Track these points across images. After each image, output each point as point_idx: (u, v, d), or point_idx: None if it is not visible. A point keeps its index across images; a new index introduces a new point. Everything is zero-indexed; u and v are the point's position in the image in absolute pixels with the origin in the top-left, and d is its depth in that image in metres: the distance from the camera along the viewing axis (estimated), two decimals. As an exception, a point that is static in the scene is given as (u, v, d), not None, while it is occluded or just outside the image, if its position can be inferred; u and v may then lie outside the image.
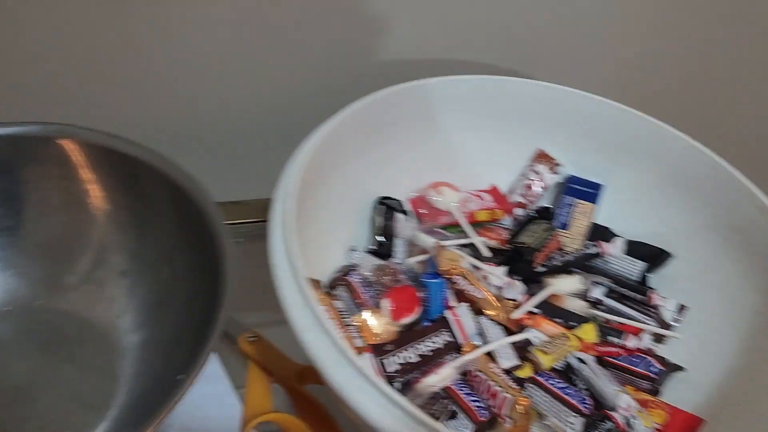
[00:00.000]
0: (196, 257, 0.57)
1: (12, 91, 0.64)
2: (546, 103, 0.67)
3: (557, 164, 0.69)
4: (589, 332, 0.57)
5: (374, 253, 0.62)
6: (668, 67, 0.80)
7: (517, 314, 0.57)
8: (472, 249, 0.64)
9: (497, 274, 0.58)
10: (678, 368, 0.58)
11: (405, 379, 0.53)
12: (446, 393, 0.55)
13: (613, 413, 0.52)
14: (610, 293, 0.64)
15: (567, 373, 0.58)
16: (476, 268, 0.60)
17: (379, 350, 0.53)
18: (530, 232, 0.64)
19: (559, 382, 0.55)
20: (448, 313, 0.58)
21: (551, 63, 0.76)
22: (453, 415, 0.54)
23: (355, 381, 0.40)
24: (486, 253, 0.61)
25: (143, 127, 0.64)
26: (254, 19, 0.64)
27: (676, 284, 0.64)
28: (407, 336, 0.56)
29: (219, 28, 0.64)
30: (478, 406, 0.54)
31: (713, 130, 0.67)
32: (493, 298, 0.58)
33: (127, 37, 0.63)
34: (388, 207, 0.64)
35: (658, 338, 0.61)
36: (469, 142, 0.70)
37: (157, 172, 0.60)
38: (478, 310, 0.59)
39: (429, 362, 0.54)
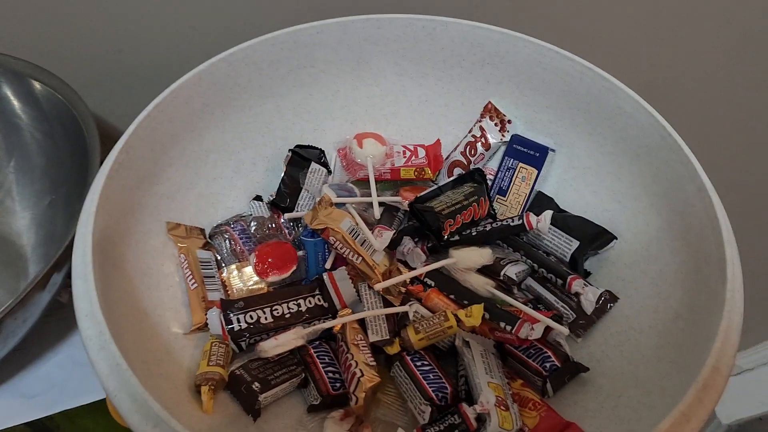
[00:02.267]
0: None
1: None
2: (489, 48, 0.58)
3: (507, 120, 0.61)
4: (474, 314, 0.50)
5: (274, 204, 0.58)
6: (630, 23, 0.67)
7: (381, 285, 0.51)
8: (393, 210, 0.59)
9: (377, 240, 0.52)
10: (582, 369, 0.50)
11: (252, 339, 0.50)
12: (303, 358, 0.51)
13: (466, 408, 0.46)
14: (534, 273, 0.56)
15: (455, 354, 0.52)
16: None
17: (228, 306, 0.50)
18: (448, 196, 0.57)
19: (425, 365, 0.50)
20: (325, 276, 0.53)
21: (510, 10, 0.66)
22: (306, 382, 0.51)
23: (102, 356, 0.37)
24: (377, 213, 0.55)
25: (62, 59, 0.64)
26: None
27: (615, 270, 0.55)
28: (273, 295, 0.52)
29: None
30: (332, 378, 0.50)
31: (669, 96, 0.55)
32: (374, 265, 0.52)
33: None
34: (300, 156, 0.60)
35: (576, 330, 0.53)
36: (410, 91, 0.63)
37: (67, 107, 0.60)
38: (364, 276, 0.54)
39: (285, 324, 0.51)
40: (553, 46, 0.56)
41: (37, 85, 0.60)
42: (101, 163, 0.53)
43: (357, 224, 0.53)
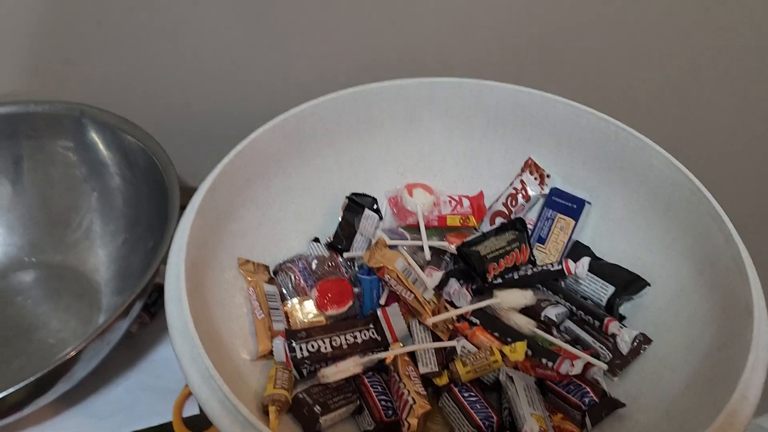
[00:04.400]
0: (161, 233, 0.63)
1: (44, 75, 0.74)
2: (530, 109, 0.64)
3: (546, 175, 0.66)
4: (518, 350, 0.55)
5: (331, 246, 0.64)
6: (659, 84, 0.73)
7: (433, 320, 0.55)
8: (440, 253, 0.64)
9: (429, 278, 0.57)
10: (618, 404, 0.53)
11: (313, 367, 0.54)
12: (358, 387, 0.55)
13: (512, 436, 0.50)
14: (572, 316, 0.60)
15: (498, 389, 0.56)
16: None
17: (291, 335, 0.55)
18: (492, 242, 0.61)
19: (472, 396, 0.54)
20: (379, 311, 0.58)
21: (545, 73, 0.72)
22: (360, 410, 0.55)
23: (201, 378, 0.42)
24: (428, 256, 0.60)
25: (149, 112, 0.71)
26: (248, 22, 0.69)
27: (649, 314, 0.59)
28: (331, 327, 0.57)
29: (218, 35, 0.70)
30: (385, 406, 0.54)
31: (697, 149, 0.61)
32: (424, 302, 0.57)
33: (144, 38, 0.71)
34: (356, 203, 0.65)
35: (613, 369, 0.56)
36: (456, 147, 0.69)
37: (148, 155, 0.66)
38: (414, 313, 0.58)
39: (343, 354, 0.55)
40: (589, 108, 0.62)
41: (122, 134, 0.67)
42: (180, 205, 0.60)
43: (410, 264, 0.58)
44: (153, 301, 0.68)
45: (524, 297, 0.58)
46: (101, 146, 0.69)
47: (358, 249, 0.64)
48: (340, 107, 0.63)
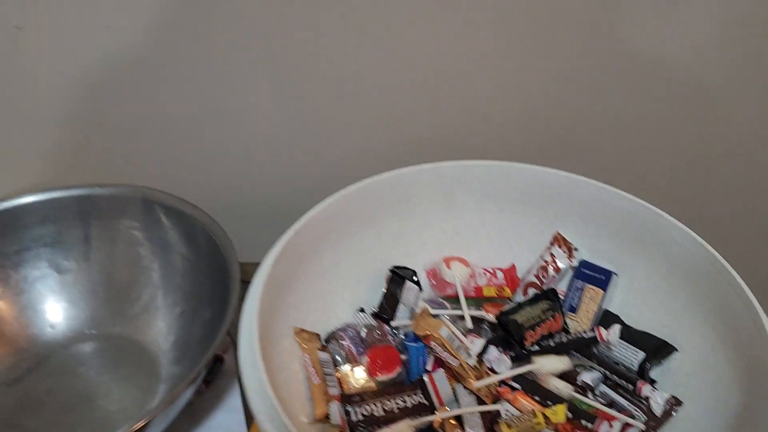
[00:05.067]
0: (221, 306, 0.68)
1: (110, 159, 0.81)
2: (557, 189, 0.70)
3: (574, 248, 0.72)
4: (559, 413, 0.58)
5: (377, 316, 0.69)
6: (678, 161, 0.80)
7: (478, 384, 0.60)
8: (479, 322, 0.68)
9: (472, 345, 0.62)
10: (655, 464, 0.57)
11: (367, 430, 0.58)
12: (409, 450, 0.59)
13: (558, 494, 0.53)
14: (606, 380, 0.64)
15: (539, 452, 0.60)
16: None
17: (347, 400, 0.59)
18: (528, 311, 0.66)
19: (517, 457, 0.57)
20: (425, 377, 0.62)
21: (569, 154, 0.79)
22: (411, 472, 0.58)
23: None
24: (469, 324, 0.65)
25: (205, 193, 0.78)
26: (291, 107, 0.77)
27: (678, 378, 0.63)
28: (382, 391, 0.61)
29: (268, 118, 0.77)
30: (435, 467, 0.57)
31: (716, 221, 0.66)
32: (468, 368, 0.61)
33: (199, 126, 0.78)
34: (398, 276, 0.71)
35: (647, 431, 0.60)
36: (489, 223, 0.74)
37: (207, 233, 0.72)
38: (459, 378, 0.63)
39: (394, 418, 0.59)
40: (611, 187, 0.67)
41: (183, 214, 0.73)
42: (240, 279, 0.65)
43: (453, 332, 0.63)
44: (208, 371, 0.72)
45: (562, 362, 0.62)
46: (164, 225, 0.75)
47: (401, 318, 0.69)
48: (382, 188, 0.69)
